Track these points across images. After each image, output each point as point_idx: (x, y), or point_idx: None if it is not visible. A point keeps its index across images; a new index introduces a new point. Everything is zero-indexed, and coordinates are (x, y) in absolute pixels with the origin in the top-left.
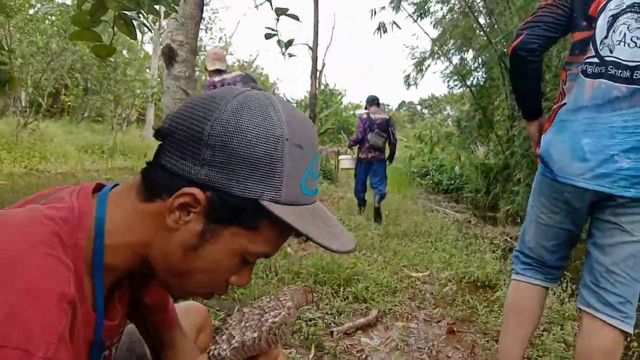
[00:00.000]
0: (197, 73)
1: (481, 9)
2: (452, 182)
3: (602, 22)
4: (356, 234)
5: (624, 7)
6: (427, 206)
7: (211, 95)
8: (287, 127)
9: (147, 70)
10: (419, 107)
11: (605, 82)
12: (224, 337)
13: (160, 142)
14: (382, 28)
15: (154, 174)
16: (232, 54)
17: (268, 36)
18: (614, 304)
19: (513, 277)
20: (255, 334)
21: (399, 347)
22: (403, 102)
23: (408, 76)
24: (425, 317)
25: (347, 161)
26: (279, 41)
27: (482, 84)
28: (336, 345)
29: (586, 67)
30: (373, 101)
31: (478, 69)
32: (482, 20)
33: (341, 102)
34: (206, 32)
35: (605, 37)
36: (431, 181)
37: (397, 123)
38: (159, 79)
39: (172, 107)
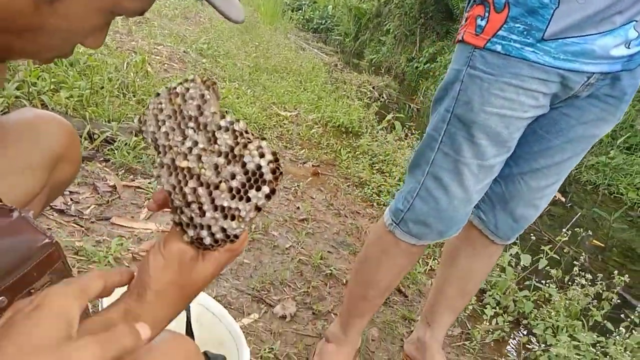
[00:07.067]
0: None
1: None
2: (324, 21)
3: None
4: (225, 62)
5: None
6: (298, 43)
7: None
8: None
9: None
10: None
11: None
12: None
13: None
14: None
15: None
16: None
17: None
18: None
19: None
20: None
21: None
22: None
23: None
24: (292, 158)
25: None
26: None
27: None
28: None
29: None
30: None
31: None
32: None
33: None
34: None
35: None
36: (302, 17)
37: None
38: None
39: None
